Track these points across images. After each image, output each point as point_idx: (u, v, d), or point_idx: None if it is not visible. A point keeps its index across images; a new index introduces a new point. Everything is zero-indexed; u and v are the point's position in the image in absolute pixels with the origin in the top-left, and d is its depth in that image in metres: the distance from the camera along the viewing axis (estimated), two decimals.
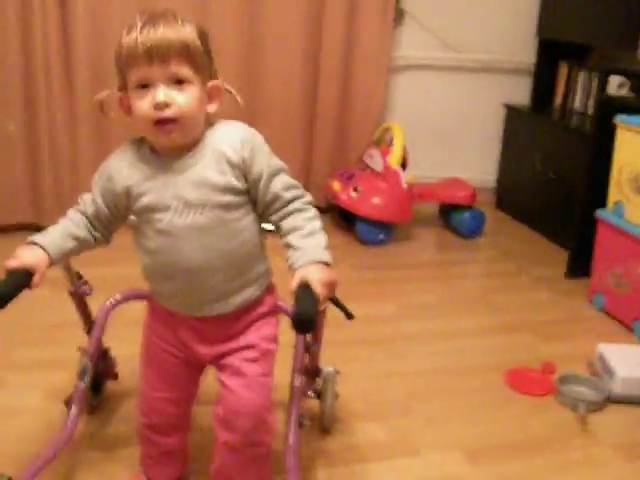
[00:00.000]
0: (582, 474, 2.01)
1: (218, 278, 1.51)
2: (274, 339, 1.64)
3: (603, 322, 2.93)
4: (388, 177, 3.54)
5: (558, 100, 4.15)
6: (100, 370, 2.07)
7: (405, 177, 3.57)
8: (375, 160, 3.60)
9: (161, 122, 1.39)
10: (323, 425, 2.08)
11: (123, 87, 1.44)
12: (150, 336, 1.67)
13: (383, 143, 3.65)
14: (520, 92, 4.28)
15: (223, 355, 1.59)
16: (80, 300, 1.98)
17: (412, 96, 4.14)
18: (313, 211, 1.53)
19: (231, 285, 1.54)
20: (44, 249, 1.47)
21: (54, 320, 2.57)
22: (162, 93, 1.36)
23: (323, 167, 3.88)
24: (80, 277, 1.95)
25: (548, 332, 2.82)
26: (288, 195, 1.50)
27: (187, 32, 1.39)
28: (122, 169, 1.50)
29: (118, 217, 1.55)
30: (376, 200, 3.51)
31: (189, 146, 1.46)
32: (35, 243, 1.48)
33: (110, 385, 2.19)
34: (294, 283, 1.38)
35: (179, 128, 1.41)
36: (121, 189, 1.50)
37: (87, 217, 1.55)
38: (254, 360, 1.58)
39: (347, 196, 3.56)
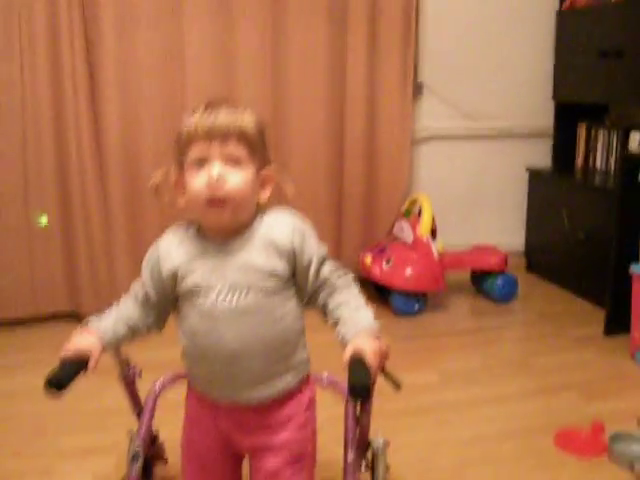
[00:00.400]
0: None
1: (256, 363, 1.52)
2: (312, 438, 1.65)
3: None
4: (419, 248, 3.58)
5: (579, 160, 4.21)
6: (150, 455, 2.07)
7: (436, 246, 3.60)
8: (405, 232, 3.65)
9: (213, 201, 1.44)
10: None
11: (179, 167, 1.50)
12: (189, 428, 1.68)
13: (412, 215, 3.70)
14: (541, 155, 4.35)
15: (261, 449, 1.59)
16: (129, 385, 2.00)
17: (436, 166, 4.22)
18: (357, 287, 1.58)
19: (269, 371, 1.54)
20: (98, 335, 1.53)
21: (102, 406, 2.62)
22: (217, 169, 1.42)
23: (353, 242, 3.93)
24: (129, 362, 1.99)
25: (593, 391, 2.81)
26: (334, 277, 1.55)
27: (247, 118, 1.47)
28: (170, 250, 1.55)
29: (167, 301, 1.58)
30: (409, 271, 3.54)
31: (237, 230, 1.51)
32: (89, 328, 1.55)
33: (160, 471, 2.20)
34: (347, 354, 1.40)
35: (230, 208, 1.45)
36: (168, 270, 1.53)
37: (139, 304, 1.59)
38: (292, 467, 1.58)
39: (380, 269, 3.60)
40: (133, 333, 1.59)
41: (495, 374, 3.01)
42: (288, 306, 1.54)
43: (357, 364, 1.38)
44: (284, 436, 1.58)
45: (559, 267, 4.07)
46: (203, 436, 1.64)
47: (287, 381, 1.57)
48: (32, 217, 3.39)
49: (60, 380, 1.43)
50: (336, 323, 1.51)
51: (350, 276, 1.59)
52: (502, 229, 4.37)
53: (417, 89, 4.05)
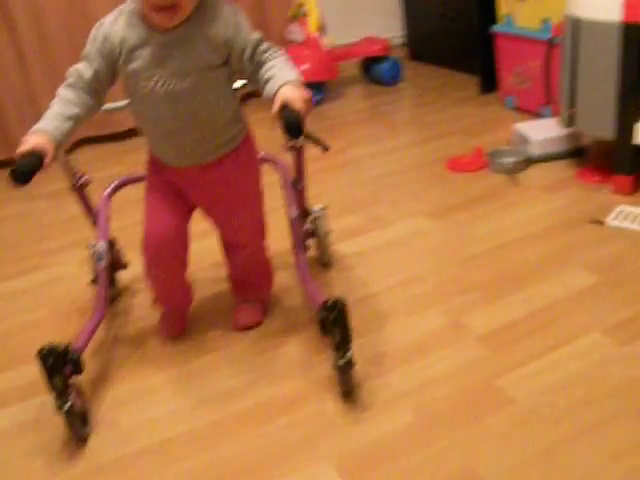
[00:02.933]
0: (520, 208, 2.58)
1: (194, 138, 1.75)
2: (257, 183, 1.91)
3: (517, 115, 3.47)
4: (310, 44, 3.99)
5: None
6: (111, 261, 2.14)
7: (326, 41, 4.02)
8: (296, 33, 4.03)
9: (163, 8, 1.58)
10: (323, 261, 2.34)
11: None
12: (150, 181, 1.91)
13: (300, 16, 4.07)
14: None
15: (214, 201, 1.87)
16: (81, 194, 2.08)
17: None
18: (285, 56, 1.71)
19: (207, 145, 1.77)
20: (47, 134, 1.60)
21: (66, 217, 3.00)
22: None
23: None
24: (77, 171, 2.05)
25: (473, 131, 3.37)
26: (267, 55, 1.69)
27: None
28: (117, 31, 1.67)
29: (115, 75, 1.72)
30: (304, 66, 3.94)
31: (179, 24, 1.63)
32: (38, 130, 1.61)
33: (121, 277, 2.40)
34: (276, 105, 1.56)
35: (178, 12, 1.60)
36: (118, 45, 1.67)
37: (83, 84, 1.69)
38: (243, 206, 1.89)
39: None
40: (76, 123, 1.68)
41: (392, 134, 3.56)
42: (220, 90, 1.73)
43: (287, 109, 1.54)
44: (231, 182, 1.85)
45: (437, 50, 4.52)
46: (160, 184, 1.89)
47: (224, 151, 1.82)
48: None
49: (25, 171, 1.52)
50: (264, 85, 1.65)
51: (280, 51, 1.72)
52: (383, 25, 4.77)
53: None
